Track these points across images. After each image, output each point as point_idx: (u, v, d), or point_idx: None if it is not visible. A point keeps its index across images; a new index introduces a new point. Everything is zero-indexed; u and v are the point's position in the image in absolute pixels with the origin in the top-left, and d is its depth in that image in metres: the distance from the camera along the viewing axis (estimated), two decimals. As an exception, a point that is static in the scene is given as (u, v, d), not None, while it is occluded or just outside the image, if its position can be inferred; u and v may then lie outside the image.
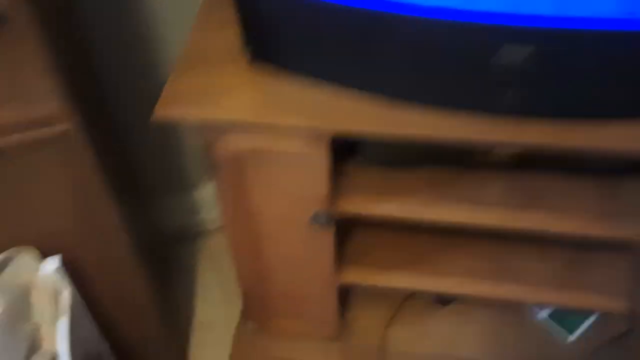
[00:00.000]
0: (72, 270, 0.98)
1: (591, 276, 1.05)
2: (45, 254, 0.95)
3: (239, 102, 0.82)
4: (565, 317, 1.21)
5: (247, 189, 0.93)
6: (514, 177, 0.96)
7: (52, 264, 0.94)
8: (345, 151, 0.97)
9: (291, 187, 0.91)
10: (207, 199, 1.48)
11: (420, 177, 0.96)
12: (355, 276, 1.10)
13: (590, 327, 1.20)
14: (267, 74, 0.84)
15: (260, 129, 0.84)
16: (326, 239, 0.99)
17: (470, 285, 1.09)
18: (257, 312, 1.22)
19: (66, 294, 0.95)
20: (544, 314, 1.23)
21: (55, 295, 0.95)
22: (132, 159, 1.30)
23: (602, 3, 0.65)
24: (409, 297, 1.28)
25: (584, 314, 1.21)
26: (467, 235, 1.10)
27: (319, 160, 0.86)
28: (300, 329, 1.22)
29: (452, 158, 0.96)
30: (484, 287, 1.09)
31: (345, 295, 1.27)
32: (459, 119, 0.79)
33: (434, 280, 1.10)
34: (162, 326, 1.24)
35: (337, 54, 0.80)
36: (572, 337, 1.19)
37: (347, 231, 1.14)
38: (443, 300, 1.27)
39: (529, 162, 0.95)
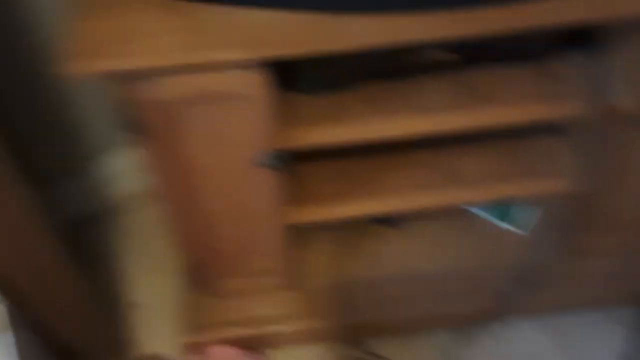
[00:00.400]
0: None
1: (532, 164, 1.06)
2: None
3: (160, 44, 0.71)
4: (514, 213, 1.23)
5: (180, 142, 0.83)
6: (453, 78, 0.93)
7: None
8: (283, 84, 0.89)
9: (229, 130, 0.82)
10: (117, 170, 1.34)
11: (361, 97, 0.91)
12: (302, 214, 1.04)
13: (538, 218, 1.23)
14: (186, 9, 0.74)
15: (187, 70, 0.73)
16: (271, 180, 0.92)
17: (417, 199, 1.07)
18: (202, 276, 1.13)
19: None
20: (490, 212, 1.24)
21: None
22: (21, 139, 1.14)
23: None
24: (360, 227, 1.24)
25: (530, 205, 1.24)
26: (410, 149, 1.06)
27: (257, 95, 0.78)
28: (251, 285, 1.16)
29: (394, 69, 0.91)
30: (430, 198, 1.07)
31: (293, 239, 1.21)
32: (400, 21, 0.73)
33: (381, 201, 1.06)
34: (97, 314, 1.13)
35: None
36: (521, 230, 1.22)
37: (290, 169, 1.07)
38: (392, 222, 1.25)
39: (469, 60, 0.92)
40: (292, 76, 0.91)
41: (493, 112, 0.89)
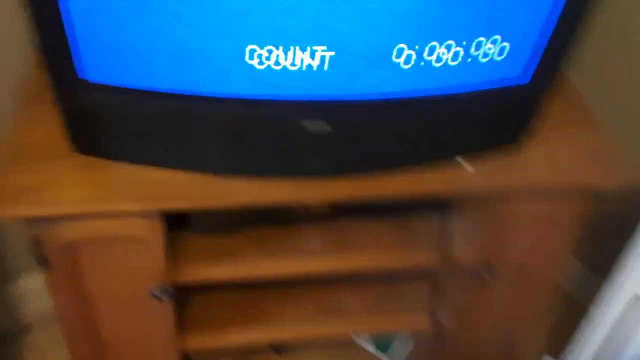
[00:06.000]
0: None
1: (400, 302, 1.22)
2: None
3: (69, 195, 0.85)
4: (394, 345, 1.37)
5: (81, 276, 0.95)
6: (329, 227, 1.09)
7: None
8: (176, 224, 1.03)
9: (127, 267, 0.95)
10: (30, 290, 1.42)
11: (248, 238, 1.06)
12: (196, 341, 1.15)
13: (410, 350, 1.37)
14: (95, 164, 0.89)
15: (92, 218, 0.87)
16: (166, 311, 1.04)
17: (301, 330, 1.20)
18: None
19: None
20: (369, 345, 1.38)
21: None
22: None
23: (373, 83, 0.81)
24: (250, 353, 1.35)
25: (407, 338, 1.39)
26: (296, 284, 1.21)
27: (153, 238, 0.91)
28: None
29: (276, 216, 1.07)
30: (312, 329, 1.20)
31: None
32: (276, 184, 0.90)
33: (269, 331, 1.19)
34: None
35: (155, 140, 0.87)
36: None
37: (183, 299, 1.19)
38: (278, 349, 1.36)
39: (341, 211, 1.09)
40: (187, 218, 1.05)
41: (357, 258, 1.06)
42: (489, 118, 0.93)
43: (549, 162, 0.98)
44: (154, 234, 0.91)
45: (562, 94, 1.00)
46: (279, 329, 1.19)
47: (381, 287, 1.24)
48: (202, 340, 1.15)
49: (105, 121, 0.85)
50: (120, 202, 0.86)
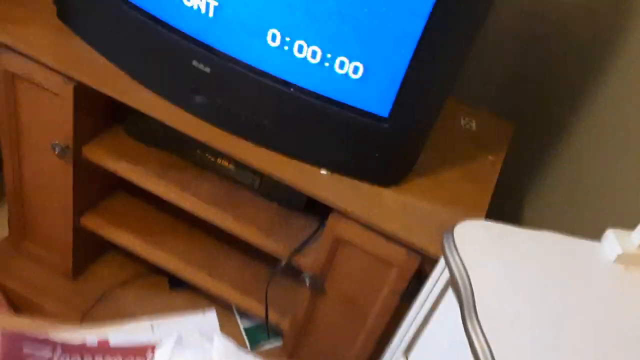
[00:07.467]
0: None
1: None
2: None
3: (27, 37, 1.09)
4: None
5: (14, 107, 1.18)
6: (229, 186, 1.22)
7: None
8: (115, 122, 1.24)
9: (44, 116, 1.16)
10: None
11: (163, 158, 1.23)
12: (91, 223, 1.33)
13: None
14: (63, 30, 1.13)
15: (29, 60, 1.10)
16: (67, 173, 1.23)
17: (188, 272, 1.33)
18: (15, 234, 1.43)
19: None
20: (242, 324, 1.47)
21: None
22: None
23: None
24: (148, 273, 1.50)
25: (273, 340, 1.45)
26: (196, 226, 1.35)
27: (65, 98, 1.11)
28: (44, 255, 1.43)
29: (203, 160, 1.22)
30: (194, 276, 1.33)
31: (92, 248, 1.47)
32: (172, 108, 1.07)
33: (156, 255, 1.33)
34: None
35: (103, 31, 1.08)
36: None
37: (109, 191, 1.39)
38: (175, 282, 1.49)
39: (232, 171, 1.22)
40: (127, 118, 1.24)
41: (234, 223, 1.18)
42: (351, 141, 1.00)
43: (401, 213, 1.03)
44: (66, 95, 1.11)
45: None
46: (166, 260, 1.33)
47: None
48: (97, 226, 1.33)
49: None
50: (54, 60, 1.08)
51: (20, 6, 1.16)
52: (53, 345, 0.74)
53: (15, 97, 1.17)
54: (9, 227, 1.43)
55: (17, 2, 1.17)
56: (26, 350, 0.72)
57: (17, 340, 0.72)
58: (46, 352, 0.73)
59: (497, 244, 0.79)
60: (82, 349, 0.75)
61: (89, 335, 0.77)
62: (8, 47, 1.10)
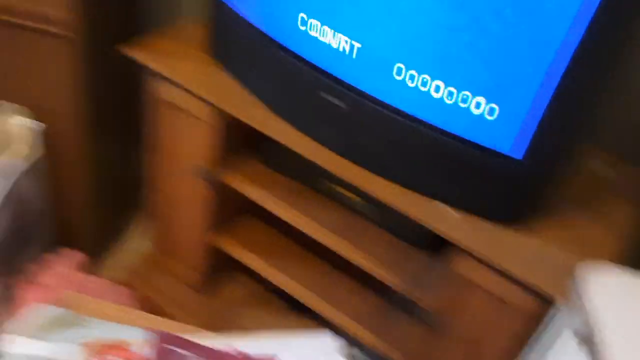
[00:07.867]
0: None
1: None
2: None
3: (179, 67, 1.20)
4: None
5: (163, 131, 1.29)
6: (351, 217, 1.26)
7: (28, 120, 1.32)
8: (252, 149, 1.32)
9: (191, 141, 1.26)
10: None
11: (292, 186, 1.29)
12: (222, 242, 1.41)
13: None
14: (211, 63, 1.23)
15: (183, 89, 1.20)
16: (207, 195, 1.32)
17: (306, 296, 1.38)
18: (157, 249, 1.55)
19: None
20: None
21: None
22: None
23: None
24: (269, 296, 1.57)
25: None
26: (316, 253, 1.39)
27: (215, 129, 1.21)
28: (178, 269, 1.53)
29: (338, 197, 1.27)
30: (309, 299, 1.37)
31: (220, 265, 1.56)
32: (301, 137, 1.13)
33: (280, 278, 1.39)
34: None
35: (245, 63, 1.17)
36: None
37: (239, 214, 1.47)
38: (293, 306, 1.53)
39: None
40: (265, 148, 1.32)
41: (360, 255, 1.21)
42: (481, 180, 1.00)
43: (530, 256, 1.01)
44: (215, 123, 1.20)
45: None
46: (286, 282, 1.38)
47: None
48: (228, 246, 1.41)
49: (224, 33, 1.17)
50: (206, 91, 1.17)
51: (173, 40, 1.28)
52: (200, 349, 0.80)
53: (165, 123, 1.28)
54: (153, 243, 1.56)
55: (171, 36, 1.29)
56: (179, 351, 0.79)
57: (171, 341, 0.79)
58: (193, 356, 0.79)
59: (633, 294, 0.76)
60: (224, 355, 0.81)
61: (224, 343, 0.83)
62: (163, 77, 1.21)
